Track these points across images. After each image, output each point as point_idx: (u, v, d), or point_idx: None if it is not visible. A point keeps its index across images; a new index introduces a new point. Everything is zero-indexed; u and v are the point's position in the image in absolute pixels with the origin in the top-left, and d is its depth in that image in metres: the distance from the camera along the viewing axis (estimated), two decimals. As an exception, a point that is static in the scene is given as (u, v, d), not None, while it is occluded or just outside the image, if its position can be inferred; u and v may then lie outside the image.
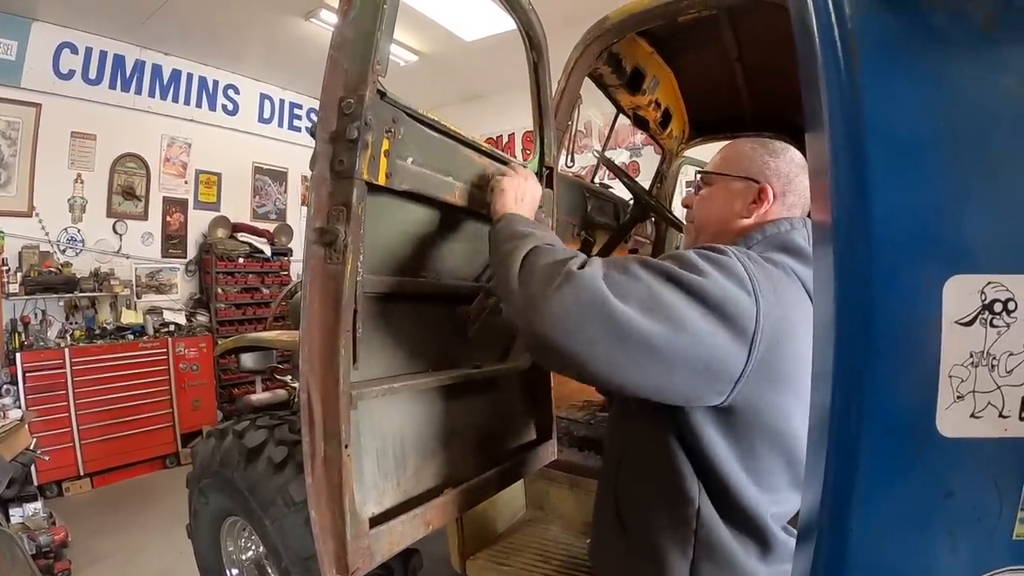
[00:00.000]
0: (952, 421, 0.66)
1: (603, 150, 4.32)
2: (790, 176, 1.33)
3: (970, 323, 0.65)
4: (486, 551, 2.41)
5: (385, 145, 1.27)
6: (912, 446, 0.66)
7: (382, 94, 1.26)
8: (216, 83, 7.40)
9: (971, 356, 0.65)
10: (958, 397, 0.65)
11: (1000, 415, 0.66)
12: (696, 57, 3.57)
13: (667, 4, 2.52)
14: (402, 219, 1.52)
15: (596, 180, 4.21)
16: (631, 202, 3.51)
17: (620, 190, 3.79)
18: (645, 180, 4.77)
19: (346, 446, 1.16)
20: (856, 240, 0.66)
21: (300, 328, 1.20)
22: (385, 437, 1.42)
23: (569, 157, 3.30)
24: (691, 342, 1.01)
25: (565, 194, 2.89)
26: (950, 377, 0.65)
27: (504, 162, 1.90)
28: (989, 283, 0.65)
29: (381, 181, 1.28)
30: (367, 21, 1.21)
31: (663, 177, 4.75)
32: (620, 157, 7.07)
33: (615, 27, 2.67)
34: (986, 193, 0.66)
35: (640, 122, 4.16)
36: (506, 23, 6.85)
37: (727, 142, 1.49)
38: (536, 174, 2.10)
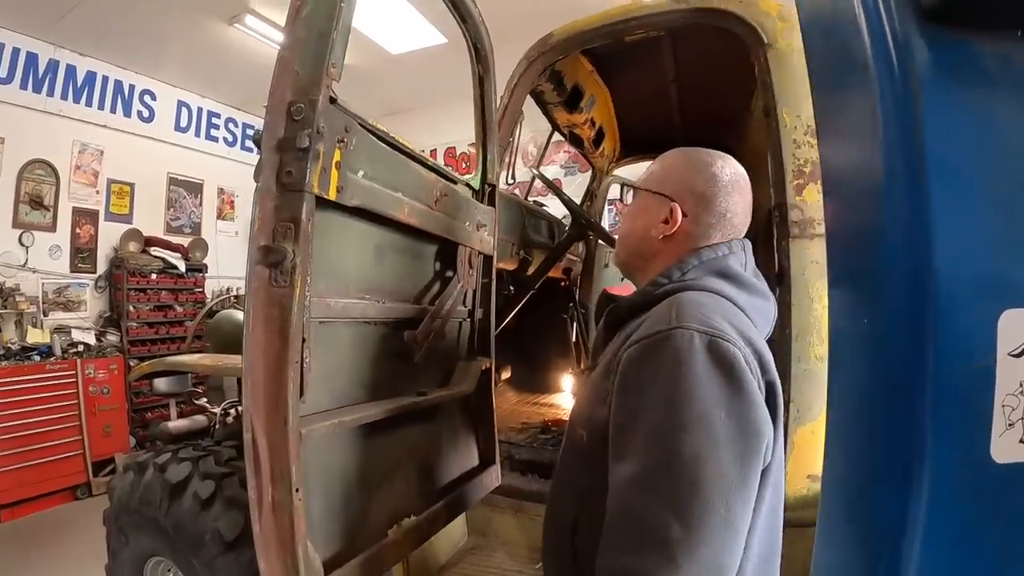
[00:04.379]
0: (1004, 448, 0.69)
1: (538, 167, 4.32)
2: (707, 195, 1.27)
3: (1021, 354, 0.67)
4: (431, 584, 2.31)
5: (336, 156, 1.18)
6: (967, 472, 0.69)
7: (332, 100, 1.16)
8: (132, 88, 7.00)
9: (1021, 386, 0.68)
10: (1009, 425, 0.68)
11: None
12: (634, 77, 3.62)
13: (615, 23, 2.52)
14: (347, 237, 1.42)
15: (529, 198, 4.20)
16: (564, 220, 3.50)
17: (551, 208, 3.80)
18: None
19: (297, 489, 1.05)
20: (915, 274, 0.67)
21: (243, 359, 1.08)
22: (332, 474, 1.31)
23: (510, 174, 3.25)
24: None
25: (504, 212, 2.84)
26: (1003, 406, 0.68)
27: (452, 180, 1.84)
28: (1041, 316, 0.68)
29: (331, 196, 1.18)
30: (322, 20, 1.11)
31: (593, 195, 4.81)
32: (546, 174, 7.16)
33: (561, 44, 2.65)
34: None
35: (575, 140, 4.19)
36: (433, 38, 6.83)
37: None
38: (478, 191, 2.05)
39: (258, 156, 1.13)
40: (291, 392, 1.05)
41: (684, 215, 1.26)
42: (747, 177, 1.31)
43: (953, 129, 0.67)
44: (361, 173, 1.29)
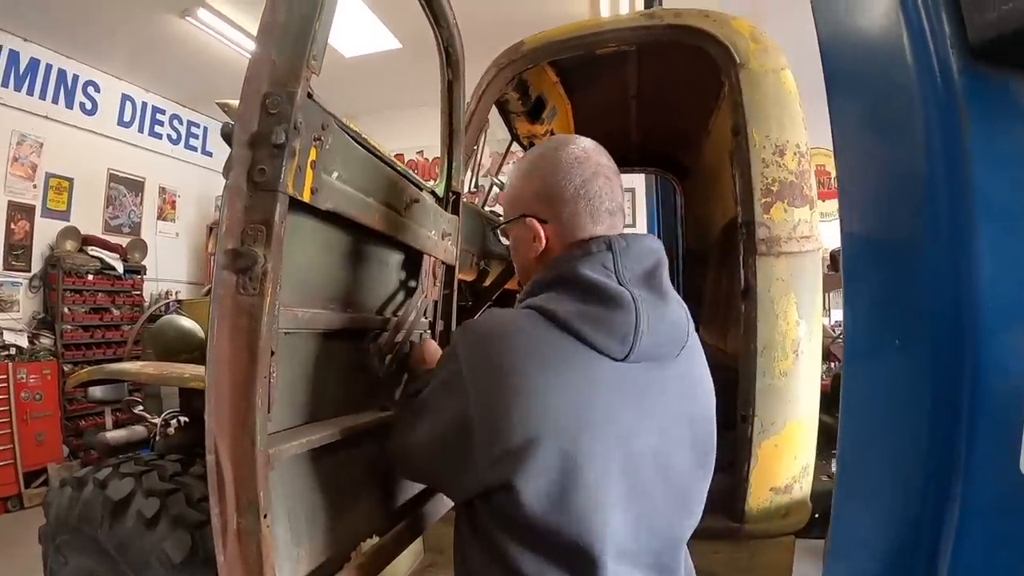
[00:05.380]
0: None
1: (497, 175, 4.30)
2: (549, 184, 1.17)
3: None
4: (389, 605, 2.22)
5: (312, 155, 1.10)
6: (998, 485, 0.72)
7: (309, 95, 1.09)
8: (76, 78, 6.69)
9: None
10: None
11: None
12: (596, 91, 3.64)
13: (587, 35, 2.51)
14: (316, 243, 1.35)
15: (485, 208, 4.19)
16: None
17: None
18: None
19: (265, 516, 0.97)
20: (958, 299, 0.69)
21: (206, 373, 0.99)
22: (297, 494, 1.23)
23: (473, 182, 3.21)
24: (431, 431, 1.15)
25: (466, 222, 2.80)
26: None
27: (419, 186, 1.78)
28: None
29: (305, 198, 1.11)
30: (304, 4, 1.04)
31: (546, 207, 4.80)
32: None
33: (531, 53, 2.62)
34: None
35: (534, 151, 4.17)
36: (387, 42, 6.74)
37: None
38: (442, 199, 2.00)
39: (203, 156, 1.06)
40: (259, 411, 0.98)
41: (544, 221, 1.18)
42: (598, 147, 1.21)
43: (999, 164, 0.69)
44: (335, 175, 1.22)
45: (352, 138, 1.34)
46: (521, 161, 1.29)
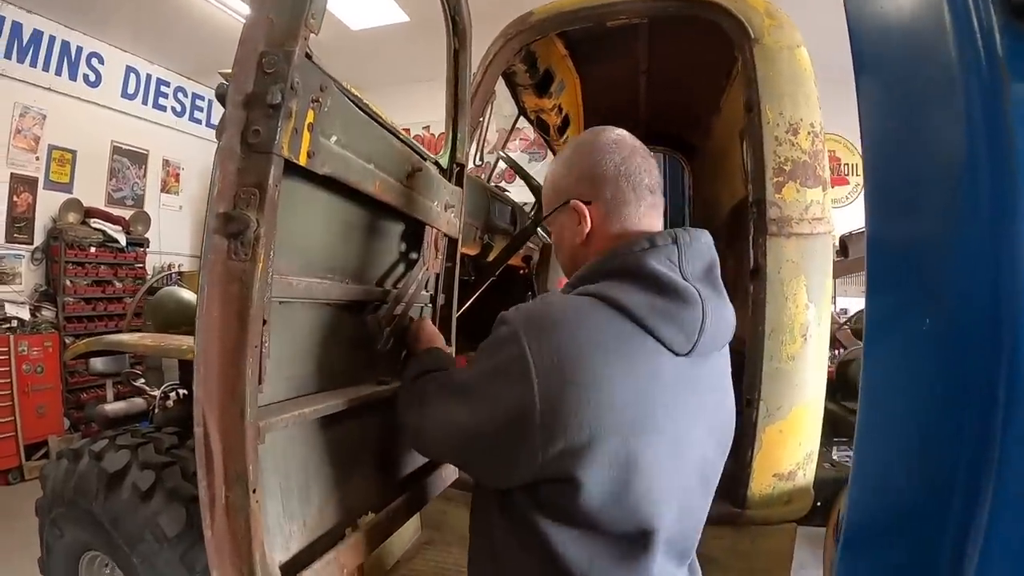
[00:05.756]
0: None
1: (503, 149, 4.24)
2: (592, 166, 1.18)
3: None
4: (388, 580, 2.22)
5: (310, 117, 1.06)
6: None
7: (307, 56, 1.04)
8: (80, 49, 6.60)
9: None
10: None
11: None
12: (606, 65, 3.58)
13: (599, 6, 2.45)
14: (313, 209, 1.30)
15: (491, 182, 4.14)
16: (526, 207, 3.43)
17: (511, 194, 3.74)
18: (517, 186, 4.76)
19: (254, 490, 0.94)
20: (997, 274, 0.64)
21: (195, 342, 0.96)
22: (289, 469, 1.20)
23: (479, 155, 3.15)
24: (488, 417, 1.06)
25: (470, 195, 2.75)
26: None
27: (423, 156, 1.73)
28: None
29: (301, 161, 1.06)
30: None
31: (554, 183, 4.76)
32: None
33: (539, 24, 2.56)
34: None
35: (541, 125, 4.13)
36: (394, 15, 6.63)
37: None
38: (446, 170, 1.95)
39: (207, 128, 1.01)
40: (249, 381, 0.94)
41: (588, 203, 1.18)
42: (633, 137, 1.22)
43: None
44: (334, 139, 1.18)
45: (352, 102, 1.29)
46: (559, 154, 1.30)
